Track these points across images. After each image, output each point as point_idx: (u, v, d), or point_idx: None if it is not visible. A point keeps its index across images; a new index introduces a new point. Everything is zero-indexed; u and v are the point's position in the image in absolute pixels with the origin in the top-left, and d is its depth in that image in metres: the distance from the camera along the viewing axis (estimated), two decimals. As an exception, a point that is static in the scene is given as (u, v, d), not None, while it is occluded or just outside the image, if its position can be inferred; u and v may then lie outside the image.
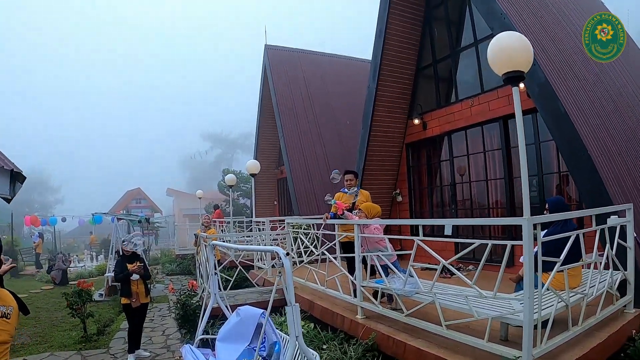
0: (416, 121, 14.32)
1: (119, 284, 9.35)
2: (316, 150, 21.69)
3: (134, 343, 9.11)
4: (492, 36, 5.55)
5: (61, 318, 12.54)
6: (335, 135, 22.39)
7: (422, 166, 15.00)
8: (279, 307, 9.81)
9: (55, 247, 35.47)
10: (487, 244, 5.08)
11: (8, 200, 7.51)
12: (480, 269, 5.17)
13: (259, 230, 17.63)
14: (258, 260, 13.52)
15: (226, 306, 6.20)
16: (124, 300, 9.11)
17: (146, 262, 9.76)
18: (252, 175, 16.43)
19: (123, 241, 9.62)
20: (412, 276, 6.32)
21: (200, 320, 6.27)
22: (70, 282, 19.51)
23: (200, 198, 27.25)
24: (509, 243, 5.04)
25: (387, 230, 8.41)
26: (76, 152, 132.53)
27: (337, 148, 21.68)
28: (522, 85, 10.57)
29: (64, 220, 39.78)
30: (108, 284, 16.04)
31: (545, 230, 6.05)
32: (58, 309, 13.38)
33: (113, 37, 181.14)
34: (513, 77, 5.05)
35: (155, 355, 9.28)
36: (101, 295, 15.78)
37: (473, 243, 5.29)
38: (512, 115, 11.18)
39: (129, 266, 9.05)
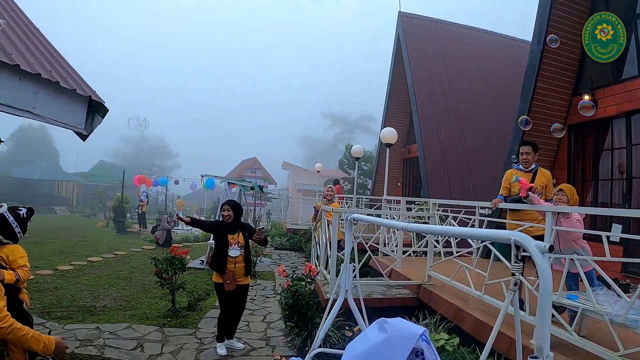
0: (586, 97, 11.69)
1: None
2: (452, 131, 19.41)
3: (224, 331, 7.19)
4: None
5: (153, 283, 11.03)
6: (473, 115, 19.99)
7: (587, 153, 12.28)
8: (413, 307, 7.83)
9: (166, 208, 34.97)
10: None
11: (83, 137, 5.65)
12: None
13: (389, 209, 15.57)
14: (385, 245, 11.37)
15: (362, 313, 4.10)
16: (215, 278, 7.14)
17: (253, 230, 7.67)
18: (388, 145, 14.43)
19: (222, 205, 7.58)
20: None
21: (321, 325, 4.21)
22: (174, 245, 18.39)
23: (319, 172, 26.16)
24: None
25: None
26: (197, 120, 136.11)
27: (474, 128, 19.37)
28: None
29: (176, 182, 39.47)
30: (212, 251, 14.43)
31: None
32: (152, 272, 11.99)
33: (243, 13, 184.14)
34: None
35: (250, 348, 7.33)
36: (202, 262, 14.55)
37: None
38: None
39: (230, 238, 7.03)
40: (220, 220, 7.36)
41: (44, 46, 5.26)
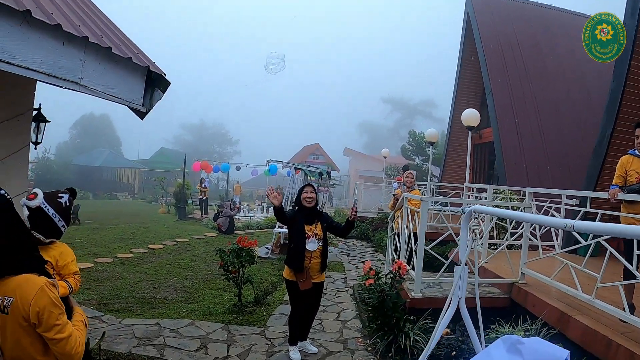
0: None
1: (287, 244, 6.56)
2: (528, 115, 18.30)
3: (297, 332, 6.38)
4: None
5: (216, 273, 10.85)
6: (551, 99, 18.81)
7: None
8: (504, 309, 6.95)
9: (227, 194, 34.73)
10: None
11: (142, 114, 4.92)
12: None
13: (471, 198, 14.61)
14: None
15: (480, 327, 3.33)
16: (288, 274, 6.26)
17: (331, 219, 6.84)
18: (470, 128, 13.46)
19: (302, 188, 6.50)
20: None
21: (431, 339, 3.43)
22: (236, 232, 18.42)
23: (385, 157, 25.50)
24: None
25: None
26: (257, 107, 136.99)
27: (552, 112, 18.24)
28: None
29: (238, 169, 39.16)
30: (279, 240, 14.11)
31: None
32: (215, 261, 11.59)
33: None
34: None
35: (325, 352, 6.58)
36: (267, 250, 13.99)
37: None
38: None
39: (308, 229, 6.13)
40: (296, 208, 6.51)
41: (91, 9, 4.55)
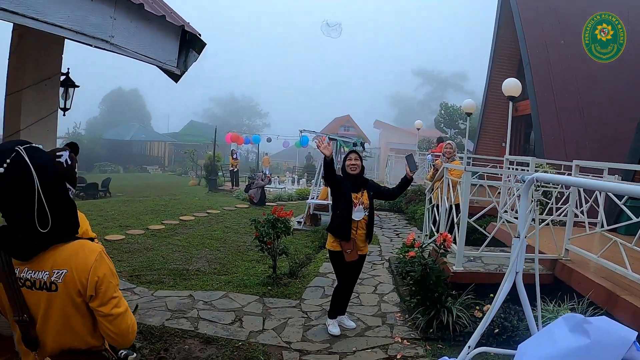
0: None
1: (332, 213, 6.30)
2: (568, 88, 17.72)
3: (339, 305, 6.19)
4: None
5: (249, 244, 10.74)
6: (590, 76, 18.17)
7: None
8: (547, 286, 6.61)
9: (258, 166, 34.68)
10: None
11: (176, 77, 4.67)
12: None
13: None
14: (506, 211, 9.77)
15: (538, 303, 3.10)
16: (332, 245, 6.00)
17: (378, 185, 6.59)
18: (511, 98, 13.01)
19: (347, 155, 6.24)
20: None
21: (487, 314, 3.18)
22: (267, 204, 18.39)
23: (418, 129, 25.10)
24: None
25: None
26: (286, 80, 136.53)
27: (591, 84, 17.59)
28: None
29: (269, 140, 38.95)
30: (309, 211, 13.95)
31: None
32: (248, 232, 11.75)
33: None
34: None
35: (364, 327, 6.36)
36: (299, 222, 13.80)
37: None
38: None
39: (354, 197, 5.87)
40: (345, 173, 6.17)
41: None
